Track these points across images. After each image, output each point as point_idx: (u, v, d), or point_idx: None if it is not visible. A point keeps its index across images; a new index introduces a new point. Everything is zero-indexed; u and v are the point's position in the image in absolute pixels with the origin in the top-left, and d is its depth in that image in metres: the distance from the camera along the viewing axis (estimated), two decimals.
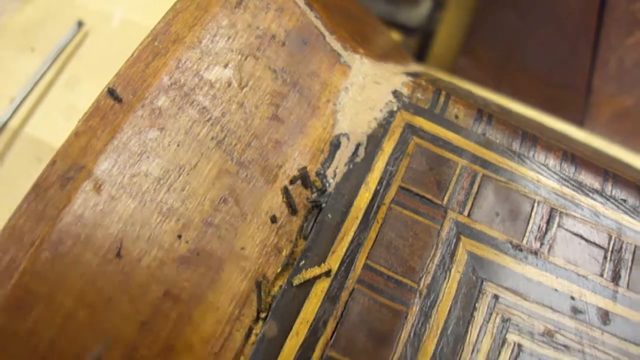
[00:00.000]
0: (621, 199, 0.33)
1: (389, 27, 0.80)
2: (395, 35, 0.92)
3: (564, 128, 0.67)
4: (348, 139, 0.32)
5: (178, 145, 0.29)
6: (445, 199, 0.31)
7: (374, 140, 0.32)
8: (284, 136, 0.31)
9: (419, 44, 0.87)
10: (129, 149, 0.28)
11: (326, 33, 0.33)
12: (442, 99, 0.33)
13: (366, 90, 0.33)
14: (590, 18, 0.77)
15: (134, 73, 0.29)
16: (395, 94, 0.33)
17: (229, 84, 0.30)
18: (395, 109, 0.32)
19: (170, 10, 0.31)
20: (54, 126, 0.59)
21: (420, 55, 0.88)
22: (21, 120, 0.59)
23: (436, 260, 0.30)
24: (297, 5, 0.33)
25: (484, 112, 0.33)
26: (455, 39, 0.86)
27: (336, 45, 0.33)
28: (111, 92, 0.29)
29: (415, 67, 0.51)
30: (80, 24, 0.65)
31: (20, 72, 0.64)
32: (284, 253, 0.30)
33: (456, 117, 0.33)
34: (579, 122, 0.74)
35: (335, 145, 0.32)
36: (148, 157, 0.28)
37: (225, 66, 0.30)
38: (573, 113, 0.75)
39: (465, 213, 0.31)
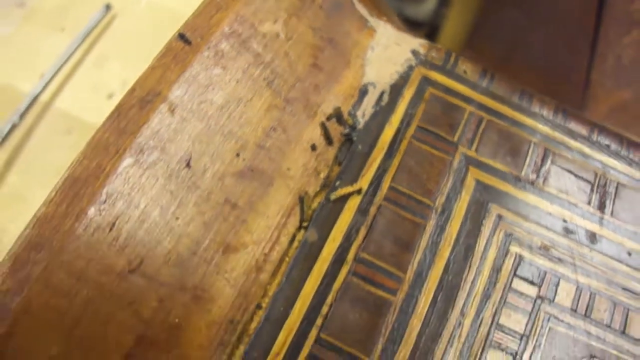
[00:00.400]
0: (605, 144, 0.41)
1: None
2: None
3: None
4: (374, 87, 0.39)
5: (237, 82, 0.36)
6: (456, 136, 0.38)
7: (396, 89, 0.39)
8: (322, 81, 0.38)
9: (425, 38, 0.95)
10: (197, 81, 0.35)
11: (355, 1, 0.41)
12: (452, 58, 0.41)
13: (389, 49, 0.40)
14: (589, 17, 0.84)
15: (201, 22, 0.36)
16: (414, 52, 0.40)
17: (278, 36, 0.38)
18: (413, 64, 0.40)
19: None
20: (82, 101, 0.65)
21: None
22: (51, 95, 0.64)
23: (449, 184, 0.37)
24: None
25: (488, 70, 0.41)
26: (460, 35, 0.93)
27: (364, 12, 0.41)
28: (181, 36, 0.36)
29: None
30: (108, 7, 0.70)
31: (51, 50, 0.68)
32: (322, 175, 0.37)
33: (465, 72, 0.40)
34: None
35: (363, 91, 0.39)
36: (213, 89, 0.35)
37: (275, 22, 0.38)
38: (572, 106, 0.82)
39: (473, 149, 0.38)
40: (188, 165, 0.34)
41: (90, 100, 0.64)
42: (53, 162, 0.66)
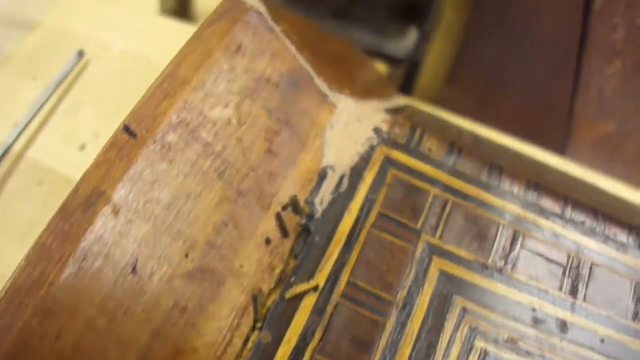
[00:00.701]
0: (580, 221, 0.40)
1: (376, 58, 0.87)
2: (382, 67, 0.99)
3: (544, 156, 0.74)
4: (334, 170, 0.39)
5: (185, 176, 0.35)
6: (420, 223, 0.38)
7: (357, 172, 0.39)
8: (277, 168, 0.38)
9: (405, 75, 0.94)
10: (143, 179, 0.34)
11: (315, 76, 0.40)
12: (417, 134, 0.40)
13: (350, 127, 0.40)
14: (572, 46, 0.84)
15: (147, 111, 0.36)
16: (376, 130, 0.40)
17: (229, 123, 0.37)
18: (375, 143, 0.39)
19: (179, 54, 0.38)
20: (54, 152, 0.65)
21: (407, 85, 0.95)
22: (24, 145, 0.65)
23: (411, 277, 0.36)
24: (289, 51, 0.40)
25: (455, 146, 0.40)
26: (441, 70, 0.93)
27: (323, 87, 0.40)
28: (126, 129, 0.36)
29: (398, 101, 0.58)
30: (81, 54, 0.71)
31: (24, 99, 0.70)
32: (277, 271, 0.37)
33: (430, 150, 0.40)
34: (561, 147, 0.81)
35: (322, 176, 0.38)
36: (159, 186, 0.35)
37: (226, 106, 0.37)
38: (555, 138, 0.82)
39: (437, 236, 0.38)
40: (134, 270, 0.33)
41: (63, 152, 0.65)
42: (24, 215, 0.66)
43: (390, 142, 0.40)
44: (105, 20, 0.77)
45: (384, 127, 0.41)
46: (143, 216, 0.35)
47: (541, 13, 0.92)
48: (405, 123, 0.41)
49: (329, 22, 0.90)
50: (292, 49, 0.40)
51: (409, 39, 0.88)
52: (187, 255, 0.35)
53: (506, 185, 0.40)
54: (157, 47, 0.69)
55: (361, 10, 0.91)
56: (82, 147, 0.65)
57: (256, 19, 0.40)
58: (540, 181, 0.42)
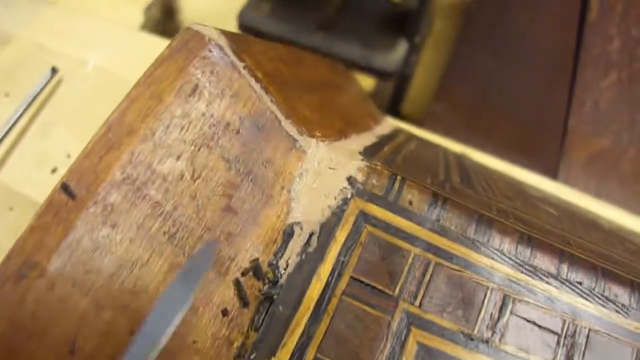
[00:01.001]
0: (576, 282, 0.37)
1: (365, 72, 0.84)
2: (371, 81, 0.96)
3: (536, 180, 0.72)
4: (301, 227, 0.35)
5: (130, 242, 0.32)
6: (397, 289, 0.35)
7: (327, 229, 0.36)
8: (236, 227, 0.35)
9: (394, 89, 0.91)
10: (82, 247, 0.31)
11: (282, 118, 0.37)
12: (396, 184, 0.37)
13: (321, 176, 0.37)
14: (566, 59, 0.84)
15: (88, 167, 0.33)
16: (350, 180, 0.37)
17: (182, 177, 0.34)
18: (349, 196, 0.36)
19: (124, 99, 0.35)
20: (25, 175, 0.65)
21: (397, 99, 0.92)
22: None
23: (386, 351, 0.34)
24: (253, 90, 0.37)
25: (439, 196, 0.37)
26: (431, 83, 0.91)
27: (292, 130, 0.37)
28: (65, 188, 0.32)
29: (382, 127, 0.55)
30: (54, 70, 0.70)
31: None
32: (235, 345, 0.34)
33: (410, 203, 0.36)
34: (555, 163, 0.80)
35: (288, 234, 0.35)
36: (100, 254, 0.32)
37: (178, 158, 0.34)
38: (549, 154, 0.81)
39: (417, 303, 0.35)
40: (72, 351, 0.30)
41: (34, 175, 0.66)
42: None
43: (365, 193, 0.37)
44: (81, 36, 0.77)
45: (359, 176, 0.37)
46: (82, 289, 0.32)
47: (535, 25, 0.90)
48: (383, 171, 0.37)
49: (315, 35, 0.87)
50: (257, 87, 0.37)
51: (398, 52, 0.85)
52: (131, 333, 0.32)
53: (496, 241, 0.37)
54: (133, 64, 0.68)
55: (348, 22, 0.87)
56: (54, 170, 0.65)
57: (216, 54, 0.37)
58: (533, 234, 0.38)
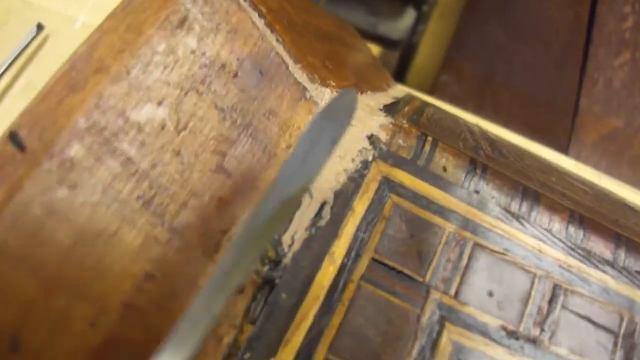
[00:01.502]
0: (635, 271, 0.30)
1: (369, 40, 0.76)
2: (376, 49, 0.89)
3: (550, 155, 0.65)
4: (311, 195, 0.28)
5: (93, 207, 0.25)
6: (428, 274, 0.27)
7: (343, 198, 0.28)
8: (230, 193, 0.27)
9: (400, 58, 0.84)
10: (30, 212, 0.24)
11: (289, 61, 0.29)
12: (427, 146, 0.29)
13: None
14: (578, 36, 0.78)
15: (43, 112, 0.25)
16: (371, 139, 0.29)
17: (163, 127, 0.26)
18: (370, 158, 0.29)
19: (95, 31, 0.27)
20: None
21: (402, 69, 0.85)
22: None
23: (414, 353, 0.26)
24: (256, 27, 0.29)
25: (478, 163, 0.30)
26: (438, 54, 0.84)
27: (301, 77, 0.29)
28: (13, 137, 0.24)
29: (395, 90, 0.48)
30: (39, 27, 0.62)
31: None
32: (225, 341, 0.26)
33: (444, 169, 0.29)
34: (565, 143, 0.74)
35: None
36: (55, 222, 0.24)
37: (160, 104, 0.26)
38: (559, 134, 0.75)
39: (452, 292, 0.27)
40: (14, 348, 0.23)
41: None
42: None
43: (390, 156, 0.29)
44: None
45: (383, 135, 0.30)
46: (29, 268, 0.24)
47: (546, 0, 0.83)
48: (411, 129, 0.30)
49: (319, 2, 0.79)
50: (260, 23, 0.29)
51: (405, 20, 0.78)
52: (92, 324, 0.24)
53: (544, 219, 0.30)
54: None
55: None
56: None
57: None
58: (585, 214, 0.31)
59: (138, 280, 0.25)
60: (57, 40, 0.63)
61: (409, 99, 0.50)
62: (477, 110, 0.73)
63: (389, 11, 0.77)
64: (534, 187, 0.31)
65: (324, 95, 0.30)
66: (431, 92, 0.76)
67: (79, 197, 0.25)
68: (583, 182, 0.53)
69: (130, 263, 0.25)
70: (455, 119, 0.47)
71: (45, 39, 0.62)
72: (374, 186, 0.29)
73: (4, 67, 0.59)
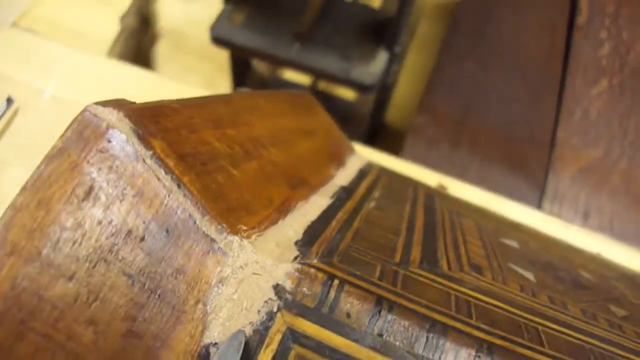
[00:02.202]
0: None
1: (344, 85, 0.77)
2: (350, 94, 0.89)
3: (518, 210, 0.65)
4: (218, 349, 0.29)
5: None
6: None
7: (247, 353, 0.29)
8: (141, 355, 0.28)
9: (376, 100, 0.84)
10: None
11: (197, 216, 0.31)
12: (332, 292, 0.31)
13: (244, 284, 0.31)
14: (554, 66, 0.78)
15: None
16: (277, 289, 0.31)
17: (76, 300, 0.28)
18: (275, 309, 0.30)
19: (9, 208, 0.28)
20: None
21: (379, 110, 0.85)
22: None
23: None
24: (162, 184, 0.31)
25: (384, 303, 0.31)
26: (417, 87, 0.84)
27: (209, 229, 0.31)
28: None
29: (346, 171, 0.48)
30: (9, 101, 0.64)
31: None
32: None
33: (348, 315, 0.31)
34: (542, 178, 0.73)
35: (204, 357, 0.30)
36: None
37: (70, 279, 0.28)
38: (536, 169, 0.74)
39: None
40: None
41: None
42: None
43: (295, 305, 0.31)
44: (40, 62, 0.68)
45: (289, 284, 0.31)
46: None
47: (522, 30, 0.82)
48: (317, 275, 0.31)
49: (290, 47, 0.79)
50: (166, 180, 0.31)
51: (378, 63, 0.77)
52: None
53: (449, 356, 0.31)
54: (93, 93, 0.61)
55: (326, 32, 0.80)
56: None
57: (116, 145, 0.31)
58: (494, 339, 0.32)
59: None
60: (27, 113, 0.65)
61: (355, 183, 0.50)
62: (453, 152, 0.74)
63: (361, 55, 0.77)
64: (446, 318, 0.32)
65: (232, 245, 0.32)
66: (407, 133, 0.76)
67: None
68: (535, 257, 0.53)
69: None
70: (404, 196, 0.48)
71: (15, 112, 0.64)
72: (278, 337, 0.30)
73: None
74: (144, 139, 0.34)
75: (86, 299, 0.31)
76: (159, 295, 0.33)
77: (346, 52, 0.79)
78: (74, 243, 0.31)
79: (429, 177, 0.67)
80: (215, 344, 0.33)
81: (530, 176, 0.74)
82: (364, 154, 0.63)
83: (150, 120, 0.35)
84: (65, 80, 0.69)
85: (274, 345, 0.33)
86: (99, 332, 0.31)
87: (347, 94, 0.95)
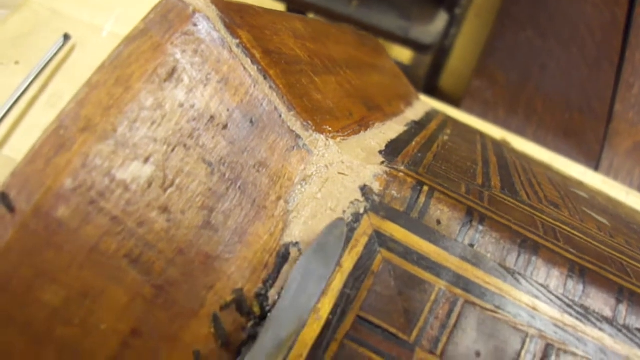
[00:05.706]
0: (636, 329, 0.27)
1: (402, 44, 0.72)
2: (408, 53, 0.85)
3: (578, 171, 0.60)
4: (299, 249, 0.26)
5: (80, 268, 0.23)
6: (414, 333, 0.25)
7: None
8: (216, 248, 0.25)
9: (433, 61, 0.79)
10: (18, 273, 0.22)
11: (282, 109, 0.27)
12: (422, 197, 0.27)
13: (328, 184, 0.27)
14: (614, 38, 0.71)
15: (32, 173, 0.24)
16: (364, 190, 0.27)
17: (150, 184, 0.25)
18: (362, 210, 0.26)
19: (84, 85, 0.25)
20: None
21: (435, 72, 0.80)
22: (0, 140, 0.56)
23: None
24: (248, 74, 0.27)
25: (475, 214, 0.27)
26: (472, 56, 0.79)
27: (294, 125, 0.27)
28: (3, 198, 0.23)
29: (415, 109, 0.45)
30: (66, 37, 0.61)
31: (5, 85, 0.60)
32: None
33: (438, 222, 0.27)
34: (598, 150, 0.68)
35: (283, 256, 0.26)
36: (44, 284, 0.23)
37: (146, 161, 0.25)
38: (592, 141, 0.69)
39: (438, 352, 0.25)
40: None
41: None
42: None
43: (382, 208, 0.27)
44: (96, 1, 0.65)
45: (376, 186, 0.27)
46: (18, 326, 0.23)
47: (582, 0, 0.76)
48: (406, 179, 0.27)
49: (349, 4, 0.75)
50: (252, 70, 0.27)
51: (437, 24, 0.73)
52: None
53: (541, 274, 0.27)
54: None
55: None
56: None
57: (202, 29, 0.27)
58: (585, 263, 0.28)
59: (124, 337, 0.24)
60: (84, 49, 0.62)
61: (426, 120, 0.46)
62: (509, 117, 0.69)
63: (421, 15, 0.72)
64: (535, 237, 0.28)
65: (317, 143, 0.28)
66: (463, 97, 0.72)
67: (65, 258, 0.23)
68: (605, 208, 0.48)
69: (117, 321, 0.24)
70: (473, 140, 0.44)
71: (72, 49, 0.61)
72: (364, 240, 0.26)
73: (32, 76, 0.58)
74: (231, 28, 0.30)
75: (161, 183, 0.27)
76: (239, 187, 0.29)
77: (406, 10, 0.75)
78: (152, 123, 0.28)
79: (492, 131, 0.63)
80: (297, 243, 0.29)
81: (585, 146, 0.69)
82: (428, 102, 0.60)
83: (236, 14, 0.32)
84: (126, 17, 0.66)
85: (359, 248, 0.29)
86: (172, 220, 0.27)
87: (402, 55, 0.91)
